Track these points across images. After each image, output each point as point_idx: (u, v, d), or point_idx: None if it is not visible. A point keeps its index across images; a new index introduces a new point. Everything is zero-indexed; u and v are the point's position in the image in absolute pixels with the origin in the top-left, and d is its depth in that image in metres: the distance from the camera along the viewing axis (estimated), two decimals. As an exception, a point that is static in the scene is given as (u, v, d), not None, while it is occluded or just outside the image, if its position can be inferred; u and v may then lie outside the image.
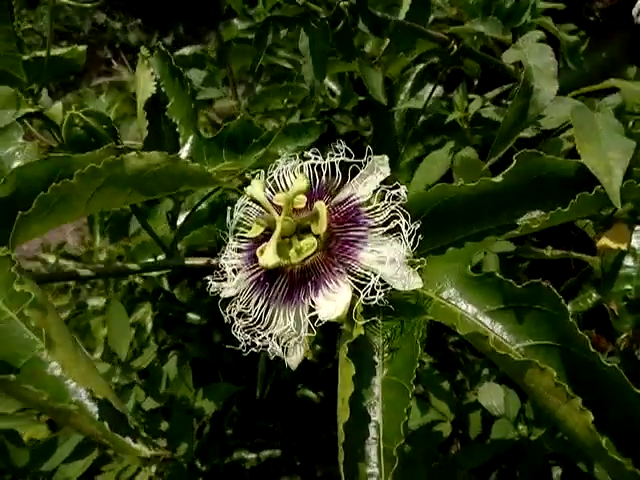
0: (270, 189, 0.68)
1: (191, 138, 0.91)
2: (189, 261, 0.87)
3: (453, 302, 0.65)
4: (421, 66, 1.73)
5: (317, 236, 0.63)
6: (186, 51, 2.40)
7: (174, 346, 2.35)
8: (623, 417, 0.53)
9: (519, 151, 0.67)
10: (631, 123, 0.80)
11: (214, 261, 0.88)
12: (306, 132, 0.80)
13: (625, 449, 0.53)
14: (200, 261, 0.87)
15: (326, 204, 0.66)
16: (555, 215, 0.62)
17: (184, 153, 0.91)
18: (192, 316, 2.44)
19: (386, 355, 0.61)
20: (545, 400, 0.52)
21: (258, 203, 0.68)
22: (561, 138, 0.93)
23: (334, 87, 2.01)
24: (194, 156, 0.91)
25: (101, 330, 2.34)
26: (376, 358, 0.61)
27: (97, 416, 0.48)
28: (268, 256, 0.58)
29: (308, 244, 0.60)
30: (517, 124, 0.66)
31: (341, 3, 0.66)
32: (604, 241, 0.94)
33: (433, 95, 1.98)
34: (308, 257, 0.61)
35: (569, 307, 1.35)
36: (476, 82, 1.90)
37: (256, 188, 0.63)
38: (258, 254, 0.62)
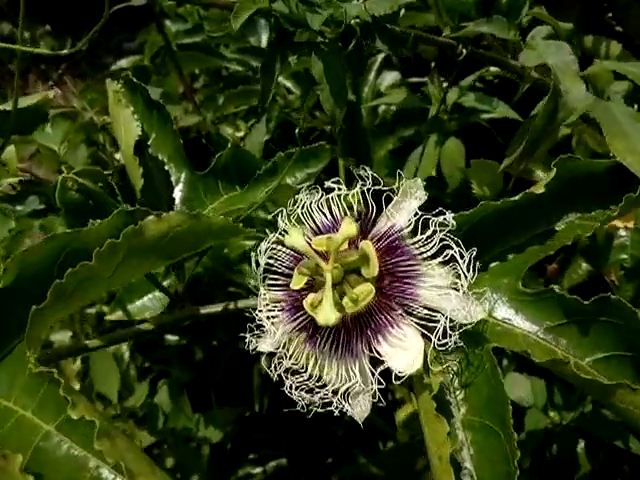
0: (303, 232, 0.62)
1: (183, 175, 0.84)
2: (204, 310, 0.80)
3: (510, 322, 0.62)
4: (382, 55, 1.69)
5: (365, 278, 0.59)
6: (124, 63, 2.25)
7: (159, 373, 2.25)
8: None
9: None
10: (635, 107, 0.79)
11: (232, 306, 0.82)
12: (315, 157, 0.74)
13: None
14: (216, 308, 0.80)
15: (364, 238, 0.61)
16: (604, 219, 0.61)
17: (178, 193, 0.84)
18: (170, 337, 2.34)
19: (457, 392, 0.58)
20: (638, 418, 0.51)
21: (294, 250, 0.63)
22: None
23: (290, 85, 1.95)
24: (190, 195, 0.84)
25: (71, 365, 2.20)
26: (448, 397, 0.58)
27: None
28: (326, 314, 0.53)
29: (364, 292, 0.56)
30: (546, 128, 0.64)
31: (352, 21, 0.61)
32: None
33: (391, 82, 1.95)
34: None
35: (565, 283, 1.38)
36: (433, 64, 1.88)
37: (295, 236, 0.58)
38: (307, 308, 0.57)
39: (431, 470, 0.50)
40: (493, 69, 1.50)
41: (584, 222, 0.65)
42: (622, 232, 1.21)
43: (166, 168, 0.84)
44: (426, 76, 1.79)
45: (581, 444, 1.18)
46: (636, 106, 0.79)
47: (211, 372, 2.20)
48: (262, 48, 1.95)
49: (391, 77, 1.91)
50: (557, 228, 0.67)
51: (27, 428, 0.48)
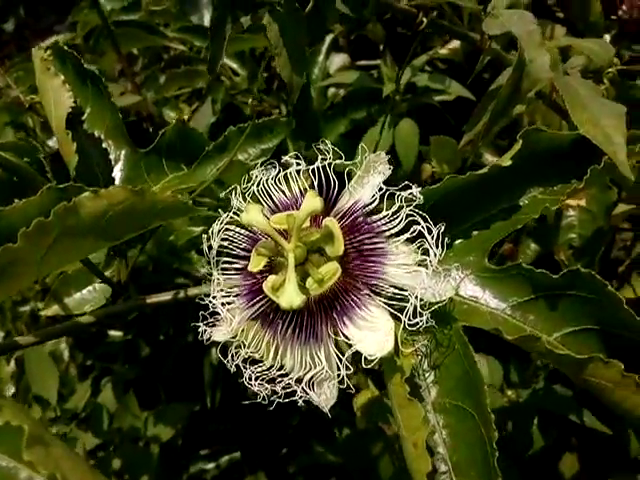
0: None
1: (124, 152, 0.76)
2: (151, 299, 0.74)
3: (477, 300, 0.60)
4: (330, 36, 1.65)
5: (329, 258, 0.54)
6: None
7: (102, 371, 2.13)
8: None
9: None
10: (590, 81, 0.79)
11: (182, 294, 0.76)
12: (270, 131, 0.69)
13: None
14: (164, 297, 0.74)
15: (327, 216, 0.57)
16: (571, 192, 0.60)
17: (118, 172, 0.76)
18: (114, 333, 2.22)
19: (427, 375, 0.55)
20: (610, 393, 0.50)
21: (246, 228, 0.58)
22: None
23: (235, 66, 1.87)
24: (131, 174, 0.77)
25: (5, 367, 2.05)
26: (417, 380, 0.55)
27: None
28: (290, 296, 0.48)
29: (330, 271, 0.52)
30: (511, 99, 0.62)
31: (310, -20, 0.56)
32: (563, 199, 0.96)
33: (340, 64, 1.92)
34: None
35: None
36: (381, 47, 1.86)
37: (253, 214, 0.52)
38: (268, 291, 0.52)
39: (405, 457, 0.47)
40: (443, 51, 1.49)
41: (547, 196, 0.64)
42: (570, 212, 1.24)
43: (104, 145, 0.77)
44: (374, 60, 1.77)
45: (534, 421, 1.21)
46: (590, 80, 0.79)
47: (158, 368, 2.11)
48: (205, 27, 1.86)
49: (340, 59, 1.87)
50: (521, 203, 0.65)
51: (-57, 440, 0.41)
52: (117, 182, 0.76)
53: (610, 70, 0.79)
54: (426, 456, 0.44)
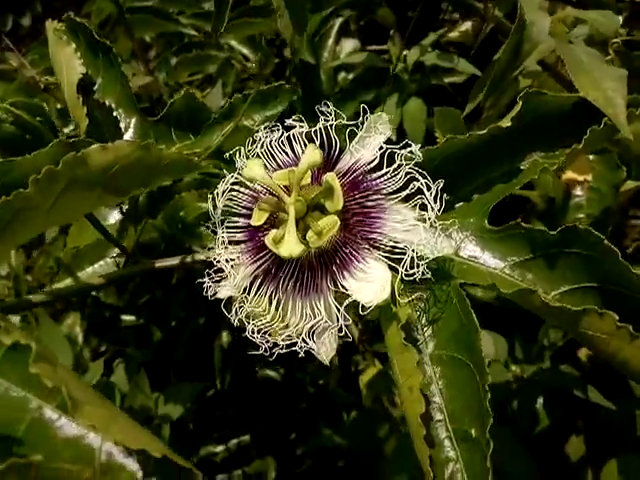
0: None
1: (134, 121, 0.78)
2: (160, 263, 0.76)
3: (476, 260, 0.61)
4: (340, 20, 1.65)
5: (329, 213, 0.56)
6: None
7: (114, 353, 2.17)
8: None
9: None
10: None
11: (189, 259, 0.77)
12: (275, 97, 0.70)
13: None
14: (172, 261, 0.76)
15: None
16: (570, 153, 0.60)
17: (128, 139, 0.78)
18: (126, 318, 2.25)
19: (425, 329, 0.56)
20: (605, 345, 0.51)
21: (247, 186, 0.59)
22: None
23: (246, 51, 1.89)
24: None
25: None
26: (415, 334, 0.56)
27: (140, 474, 0.39)
28: (290, 245, 0.50)
29: (329, 224, 0.53)
30: (512, 63, 0.63)
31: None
32: (569, 174, 0.96)
33: (351, 49, 1.92)
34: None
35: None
36: (392, 32, 1.86)
37: (255, 169, 0.54)
38: (270, 244, 0.54)
39: (402, 403, 0.49)
40: (453, 34, 1.49)
41: (548, 160, 0.64)
42: (578, 192, 1.24)
43: (114, 114, 0.79)
44: (385, 45, 1.78)
45: (540, 400, 1.21)
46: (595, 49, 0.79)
47: (169, 352, 2.14)
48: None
49: (350, 45, 1.87)
50: (522, 167, 0.66)
51: (-43, 373, 0.43)
52: (127, 149, 0.77)
53: (615, 40, 0.79)
54: (421, 399, 0.45)
